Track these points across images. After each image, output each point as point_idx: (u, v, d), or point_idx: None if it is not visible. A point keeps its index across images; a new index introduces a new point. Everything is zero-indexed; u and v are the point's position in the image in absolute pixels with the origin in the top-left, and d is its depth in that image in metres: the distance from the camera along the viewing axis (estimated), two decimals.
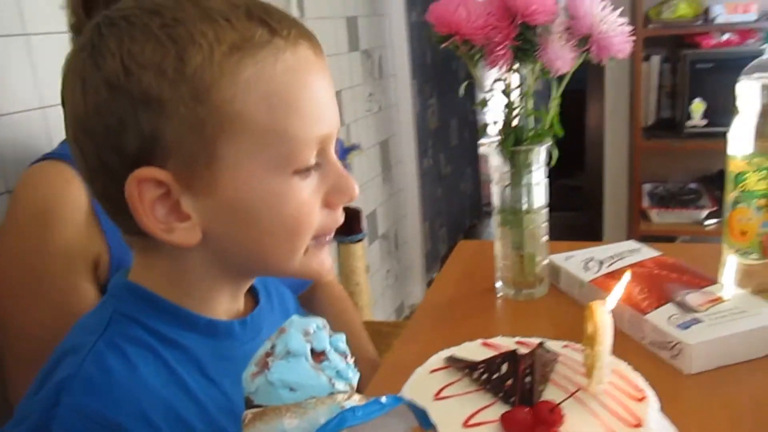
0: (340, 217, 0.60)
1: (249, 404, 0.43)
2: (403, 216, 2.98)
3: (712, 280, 0.92)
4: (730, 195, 0.89)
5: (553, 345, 0.67)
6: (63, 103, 0.56)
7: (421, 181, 3.05)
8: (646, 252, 1.05)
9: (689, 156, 2.45)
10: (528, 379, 0.59)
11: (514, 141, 0.93)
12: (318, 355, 0.44)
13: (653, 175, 2.52)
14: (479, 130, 0.95)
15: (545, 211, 0.99)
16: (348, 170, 1.12)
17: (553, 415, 0.54)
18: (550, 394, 0.58)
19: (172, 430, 0.53)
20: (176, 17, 0.51)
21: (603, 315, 0.59)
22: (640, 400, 0.58)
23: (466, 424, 0.56)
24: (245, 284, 0.65)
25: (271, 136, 0.53)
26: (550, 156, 0.97)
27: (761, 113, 0.85)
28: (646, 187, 2.50)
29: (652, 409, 0.57)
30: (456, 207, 3.85)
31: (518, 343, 0.68)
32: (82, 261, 0.86)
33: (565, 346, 0.68)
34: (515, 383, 0.58)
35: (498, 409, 0.57)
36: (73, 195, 0.86)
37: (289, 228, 0.56)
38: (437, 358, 0.68)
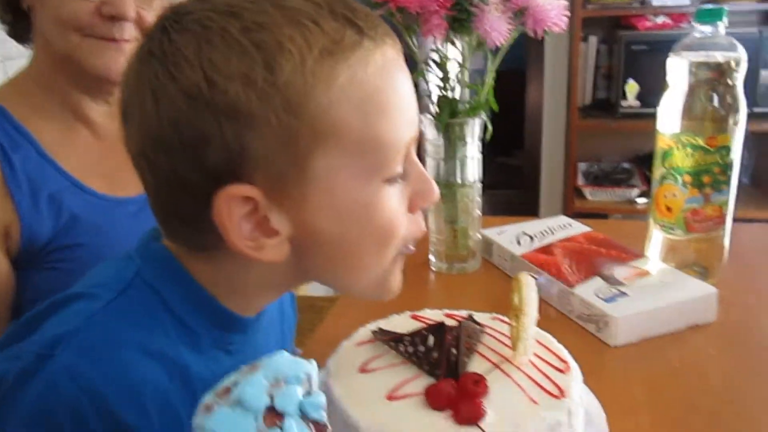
0: (422, 223, 0.57)
1: None
2: None
3: (639, 255, 0.93)
4: (658, 171, 0.91)
5: (480, 317, 0.67)
6: (125, 117, 0.51)
7: None
8: (577, 227, 1.06)
9: (623, 136, 2.51)
10: (453, 351, 0.58)
11: (449, 113, 0.92)
12: (273, 416, 0.37)
13: (588, 154, 2.57)
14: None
15: (478, 185, 0.98)
16: None
17: (477, 386, 0.54)
18: (477, 365, 0.58)
19: (160, 413, 0.50)
20: (258, 21, 0.46)
21: (529, 287, 0.58)
22: (564, 371, 0.58)
23: (390, 397, 0.55)
24: (294, 289, 0.62)
25: (364, 144, 0.49)
26: (485, 130, 0.97)
27: (689, 91, 0.86)
28: (581, 166, 2.55)
29: (575, 380, 0.57)
30: None
31: (446, 315, 0.68)
32: None
33: (493, 318, 0.68)
34: (441, 355, 0.57)
35: (423, 382, 0.56)
36: None
37: (380, 237, 0.53)
38: (364, 331, 0.66)
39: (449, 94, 0.93)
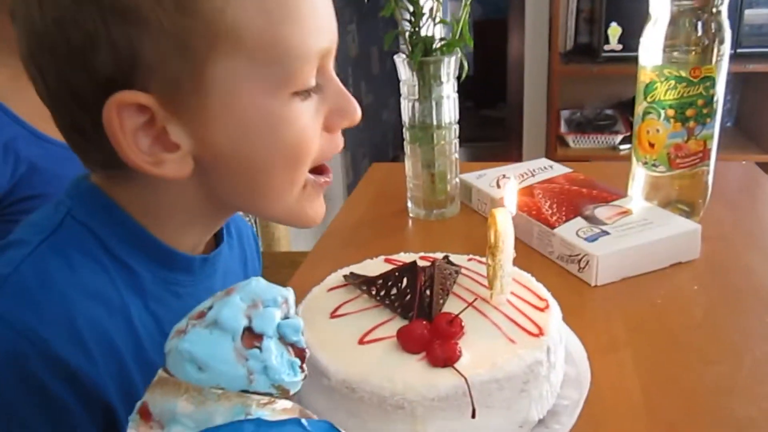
0: (340, 142, 0.53)
1: (164, 362, 0.36)
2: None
3: (621, 194, 0.91)
4: (640, 107, 0.88)
5: (456, 259, 0.64)
6: (13, 17, 0.46)
7: None
8: (558, 169, 1.03)
9: (605, 81, 2.47)
10: (427, 292, 0.56)
11: (422, 51, 0.88)
12: (251, 338, 0.35)
13: (571, 101, 2.52)
14: (386, 40, 0.88)
15: (455, 126, 0.95)
16: None
17: (451, 326, 0.51)
18: (452, 307, 0.55)
19: (102, 354, 0.47)
20: None
21: (504, 221, 0.56)
22: (543, 309, 0.56)
23: (361, 341, 0.53)
24: (221, 221, 0.58)
25: (268, 51, 0.45)
26: (461, 69, 0.92)
27: (671, 21, 0.83)
28: (564, 113, 2.51)
29: (554, 318, 0.55)
30: (378, 137, 3.79)
31: (421, 258, 0.65)
32: None
33: (470, 259, 0.65)
34: (413, 297, 0.55)
35: (396, 325, 0.53)
36: None
37: (290, 156, 0.49)
38: (335, 276, 0.64)
39: (422, 31, 0.88)
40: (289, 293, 0.38)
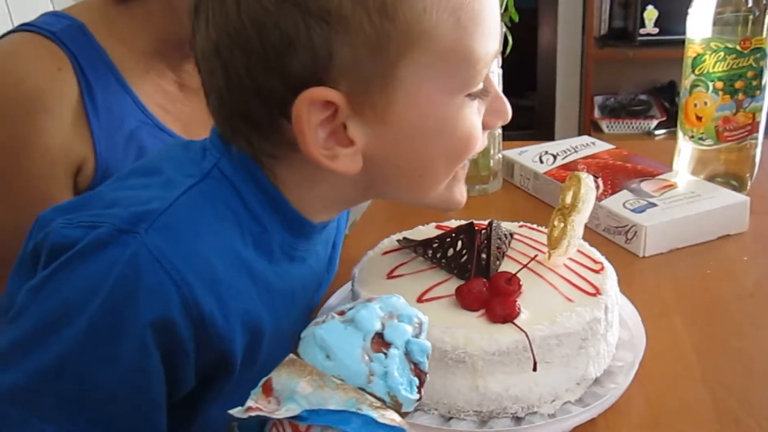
0: (486, 141, 0.55)
1: (296, 346, 0.38)
2: None
3: (667, 169, 0.91)
4: (687, 80, 0.87)
5: (508, 225, 0.65)
6: (196, 12, 0.47)
7: None
8: (601, 145, 1.03)
9: (641, 66, 2.44)
10: (484, 254, 0.56)
11: None
12: (380, 344, 0.37)
13: (605, 87, 2.51)
14: None
15: None
16: None
17: (510, 284, 0.52)
18: (507, 269, 0.56)
19: (236, 307, 0.48)
20: None
21: (587, 184, 0.56)
22: (598, 271, 0.57)
23: (420, 300, 0.54)
24: (362, 202, 0.60)
25: (454, 55, 0.47)
26: (505, 44, 0.93)
27: None
28: (598, 99, 2.49)
29: (610, 279, 0.56)
30: None
31: (474, 224, 0.66)
32: (63, 166, 0.74)
33: (521, 226, 0.66)
34: (470, 258, 0.56)
35: (453, 285, 0.54)
36: (65, 86, 0.73)
37: (457, 153, 0.51)
38: (389, 241, 0.65)
39: None
40: (425, 318, 0.40)
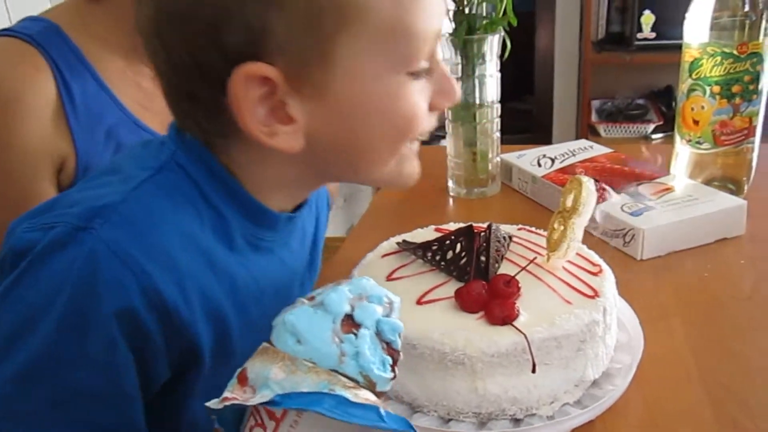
0: (435, 121, 0.55)
1: (269, 335, 0.38)
2: None
3: (664, 172, 0.91)
4: (684, 84, 0.88)
5: (506, 228, 0.65)
6: None
7: None
8: (599, 149, 1.03)
9: (638, 70, 2.45)
10: (483, 257, 0.57)
11: (466, 30, 0.89)
12: (350, 325, 0.37)
13: (602, 91, 2.51)
14: None
15: (497, 105, 0.95)
16: None
17: (509, 287, 0.52)
18: (506, 271, 0.56)
19: (198, 295, 0.48)
20: None
21: (589, 188, 0.57)
22: (597, 273, 0.57)
23: (419, 302, 0.54)
24: (316, 188, 0.60)
25: (392, 31, 0.47)
26: (503, 47, 0.93)
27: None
28: (595, 103, 2.50)
29: (608, 281, 0.56)
30: None
31: (473, 227, 0.66)
32: (46, 162, 0.76)
33: (520, 229, 0.66)
34: (469, 260, 0.56)
35: (452, 287, 0.55)
36: (43, 87, 0.75)
37: (399, 132, 0.51)
38: (388, 244, 0.65)
39: (466, 9, 0.89)
40: (396, 299, 0.40)
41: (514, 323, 0.50)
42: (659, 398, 0.55)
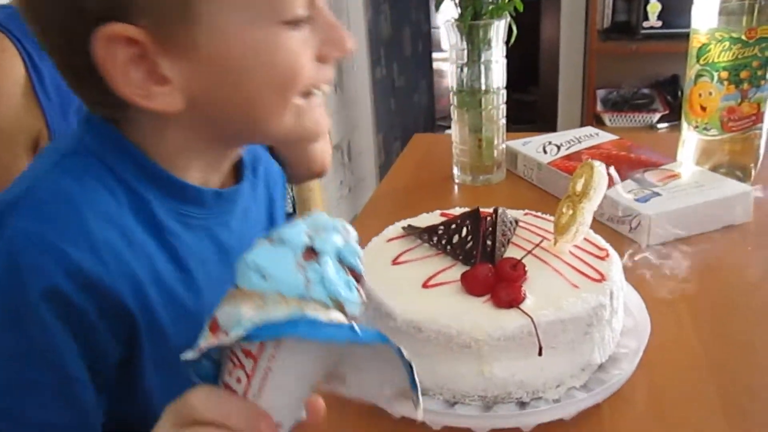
0: (331, 72, 0.53)
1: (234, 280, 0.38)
2: (355, 127, 2.92)
3: (671, 159, 0.90)
4: (692, 70, 0.87)
5: (513, 213, 0.65)
6: None
7: (374, 92, 2.97)
8: (605, 136, 1.03)
9: (644, 60, 2.44)
10: (489, 240, 0.56)
11: (472, 15, 0.88)
12: (311, 254, 0.37)
13: (607, 81, 2.50)
14: (436, 2, 0.89)
15: (503, 92, 0.95)
16: None
17: (515, 270, 0.52)
18: (513, 254, 0.56)
19: (119, 268, 0.48)
20: None
21: (600, 173, 0.56)
22: (603, 258, 0.57)
23: (425, 285, 0.54)
24: (228, 155, 0.58)
25: None
26: (509, 33, 0.93)
27: None
28: (600, 93, 2.48)
29: (615, 265, 0.56)
30: (410, 120, 3.79)
31: (482, 213, 0.66)
32: (22, 138, 0.79)
33: (526, 214, 0.66)
34: (476, 244, 0.56)
35: (458, 271, 0.54)
36: (11, 67, 0.78)
37: (280, 80, 0.49)
38: (393, 228, 0.65)
39: None
40: (351, 227, 0.40)
41: (521, 306, 0.50)
42: (666, 384, 0.55)
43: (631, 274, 0.60)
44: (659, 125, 2.28)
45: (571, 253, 0.57)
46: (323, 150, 0.98)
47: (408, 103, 3.77)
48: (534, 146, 1.00)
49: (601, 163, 0.57)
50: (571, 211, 0.57)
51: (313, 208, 2.11)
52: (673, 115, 2.20)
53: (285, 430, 0.38)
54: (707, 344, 0.59)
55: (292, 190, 1.89)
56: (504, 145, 0.99)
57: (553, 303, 0.50)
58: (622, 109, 2.36)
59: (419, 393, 0.38)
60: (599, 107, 2.42)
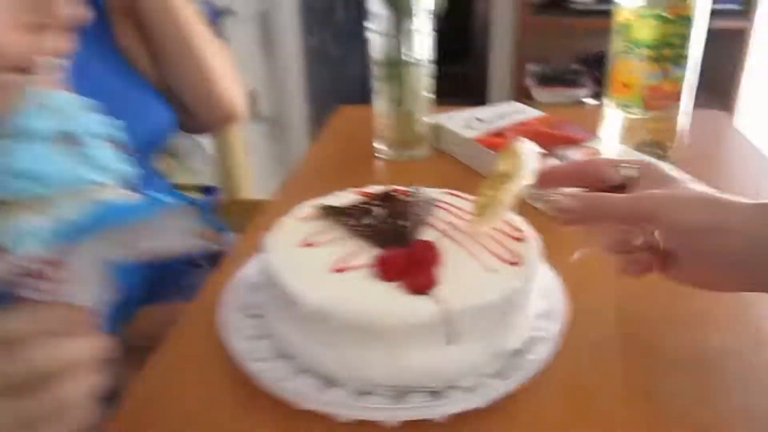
0: (50, 44, 0.45)
1: None
2: (287, 98, 2.84)
3: (593, 137, 0.90)
4: (615, 47, 0.86)
5: (432, 192, 0.62)
6: None
7: (306, 61, 2.89)
8: (531, 112, 1.01)
9: (574, 36, 2.46)
10: (402, 221, 0.53)
11: None
12: (68, 139, 0.34)
13: (538, 55, 2.51)
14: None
15: (429, 65, 0.92)
16: (223, 39, 0.99)
17: (428, 253, 0.50)
18: (427, 236, 0.54)
19: None
20: None
21: (527, 153, 0.54)
22: (519, 239, 0.55)
23: (336, 269, 0.51)
24: None
25: None
26: (440, 4, 0.89)
27: None
28: (529, 67, 2.50)
29: (531, 248, 0.54)
30: (344, 91, 3.72)
31: (395, 190, 0.63)
32: None
33: (446, 193, 0.63)
34: (389, 226, 0.53)
35: (370, 254, 0.51)
36: None
37: None
38: (305, 207, 0.61)
39: None
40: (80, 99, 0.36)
41: (433, 292, 0.47)
42: (582, 368, 0.54)
43: (551, 254, 0.58)
44: (587, 101, 2.32)
45: (488, 234, 0.55)
46: (228, 91, 0.93)
47: (342, 73, 3.70)
48: (459, 121, 0.97)
49: (531, 145, 0.55)
50: (492, 192, 0.54)
51: (240, 183, 2.04)
52: (602, 91, 2.24)
53: (100, 313, 0.36)
54: (623, 326, 0.58)
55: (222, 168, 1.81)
56: (428, 120, 0.96)
57: (467, 288, 0.48)
58: (551, 84, 2.38)
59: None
60: (529, 82, 2.43)
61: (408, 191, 0.58)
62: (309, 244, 0.54)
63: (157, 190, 0.81)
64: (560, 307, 0.56)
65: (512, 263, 0.51)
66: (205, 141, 2.12)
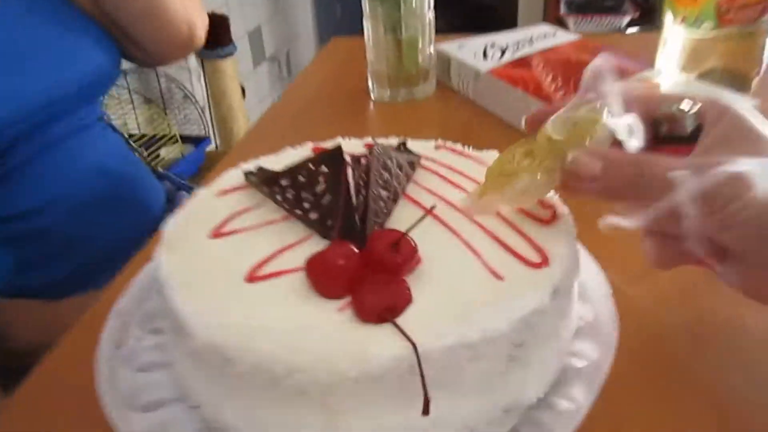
0: None
1: None
2: (295, 36, 2.63)
3: (647, 65, 0.69)
4: None
5: (419, 146, 0.43)
6: None
7: None
8: (563, 36, 0.80)
9: None
10: (361, 196, 0.35)
11: None
12: None
13: None
14: None
15: None
16: None
17: (396, 253, 0.31)
18: (403, 219, 0.35)
19: None
20: None
21: (608, 129, 0.33)
22: (548, 221, 0.35)
23: (251, 278, 0.32)
24: None
25: None
26: None
27: None
28: None
29: (564, 236, 0.35)
30: (357, 28, 3.48)
31: (367, 146, 0.43)
32: None
33: (439, 147, 0.44)
34: (338, 202, 0.34)
35: (308, 250, 0.33)
36: None
37: None
38: (235, 173, 0.42)
39: None
40: None
41: (399, 321, 0.28)
42: (630, 412, 0.35)
43: (592, 233, 0.40)
44: (628, 30, 2.05)
45: (499, 215, 0.36)
46: (179, 13, 0.76)
47: (356, 9, 3.44)
48: (471, 50, 0.77)
49: (620, 117, 0.34)
50: (528, 161, 0.34)
51: (239, 131, 1.87)
52: (645, 18, 1.97)
53: None
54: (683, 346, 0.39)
55: (212, 121, 1.65)
56: (432, 49, 0.75)
57: (456, 312, 0.29)
58: (587, 11, 2.12)
59: None
60: (563, 10, 2.17)
61: (368, 148, 0.39)
62: (223, 234, 0.36)
63: (101, 136, 0.66)
64: (606, 318, 0.37)
65: (533, 264, 0.32)
66: (198, 86, 1.94)
